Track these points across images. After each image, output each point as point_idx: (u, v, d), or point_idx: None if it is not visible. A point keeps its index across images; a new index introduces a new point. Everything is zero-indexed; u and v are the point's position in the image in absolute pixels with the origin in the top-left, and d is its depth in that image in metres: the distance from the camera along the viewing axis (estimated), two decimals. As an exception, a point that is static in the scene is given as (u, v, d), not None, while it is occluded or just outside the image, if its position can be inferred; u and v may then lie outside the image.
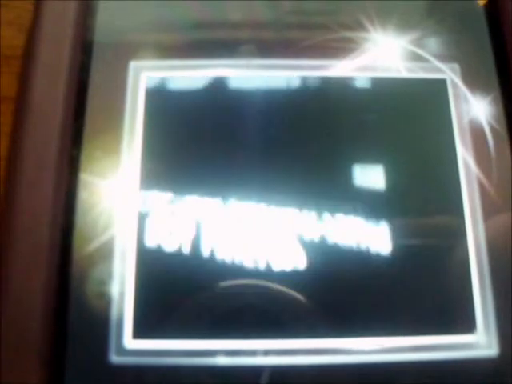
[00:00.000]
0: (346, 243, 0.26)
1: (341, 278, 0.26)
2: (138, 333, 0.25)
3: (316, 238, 0.26)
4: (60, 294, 0.25)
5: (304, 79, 0.28)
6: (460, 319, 0.25)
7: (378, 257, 0.26)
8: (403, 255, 0.26)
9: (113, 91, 0.28)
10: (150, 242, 0.26)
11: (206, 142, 0.27)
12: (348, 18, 0.29)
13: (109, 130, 0.27)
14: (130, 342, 0.25)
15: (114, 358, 0.24)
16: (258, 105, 0.28)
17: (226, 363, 0.24)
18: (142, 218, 0.26)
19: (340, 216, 0.26)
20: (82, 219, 0.26)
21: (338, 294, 0.26)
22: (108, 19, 0.29)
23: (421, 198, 0.27)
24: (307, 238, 0.26)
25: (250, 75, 0.29)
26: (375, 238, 0.26)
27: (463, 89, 0.28)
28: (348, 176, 0.27)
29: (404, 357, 0.25)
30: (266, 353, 0.25)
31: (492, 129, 0.28)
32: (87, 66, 0.28)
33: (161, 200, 0.26)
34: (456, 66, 0.29)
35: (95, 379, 0.25)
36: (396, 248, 0.26)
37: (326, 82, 0.28)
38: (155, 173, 0.27)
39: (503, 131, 0.28)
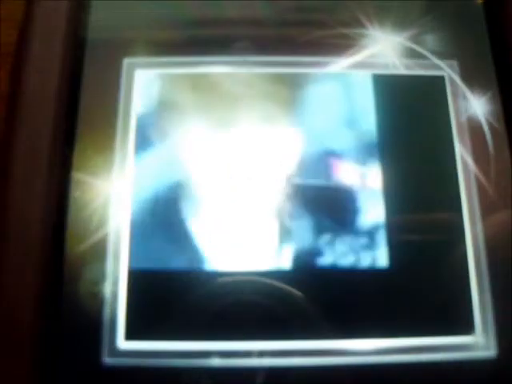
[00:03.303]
0: (344, 241, 0.26)
1: (339, 278, 0.26)
2: (131, 334, 0.25)
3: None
4: (52, 294, 0.24)
5: (302, 75, 0.28)
6: (458, 320, 0.25)
7: (376, 256, 0.26)
8: (401, 254, 0.26)
9: (106, 88, 0.27)
10: (144, 242, 0.26)
11: (202, 139, 0.27)
12: (346, 15, 0.29)
13: (102, 128, 0.27)
14: (122, 343, 0.24)
15: (107, 360, 0.24)
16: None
17: (220, 364, 0.24)
18: (135, 217, 0.26)
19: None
20: (74, 218, 0.26)
21: (334, 293, 0.25)
22: (101, 16, 0.29)
23: (418, 195, 0.27)
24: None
25: (246, 72, 0.28)
26: (373, 235, 0.26)
27: (461, 86, 0.28)
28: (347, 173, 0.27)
29: (401, 358, 0.25)
30: (261, 354, 0.24)
31: (490, 126, 0.27)
32: (80, 63, 0.28)
33: (154, 198, 0.26)
34: (454, 63, 0.29)
35: (88, 380, 0.24)
36: (393, 247, 0.26)
37: (323, 78, 0.28)
38: (149, 171, 0.26)
39: (501, 129, 0.27)
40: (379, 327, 0.25)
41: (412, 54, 0.29)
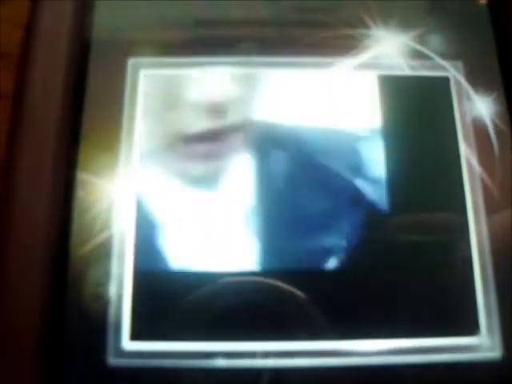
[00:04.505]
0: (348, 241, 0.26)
1: (343, 278, 0.26)
2: (136, 334, 0.24)
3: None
4: (57, 295, 0.24)
5: (305, 75, 0.28)
6: (463, 321, 0.25)
7: (380, 256, 0.26)
8: (405, 254, 0.26)
9: (111, 88, 0.27)
10: (148, 243, 0.26)
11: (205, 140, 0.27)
12: (350, 16, 0.29)
13: (107, 128, 0.27)
14: (127, 344, 0.24)
15: (112, 360, 0.24)
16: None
17: (224, 365, 0.24)
18: (139, 218, 0.26)
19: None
20: (79, 219, 0.25)
21: (339, 294, 0.25)
22: (106, 16, 0.29)
23: (423, 196, 0.27)
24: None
25: (250, 73, 0.28)
26: (377, 235, 0.26)
27: (466, 87, 0.28)
28: (350, 173, 0.27)
29: (406, 359, 0.25)
30: (266, 355, 0.24)
31: (495, 127, 0.27)
32: (85, 63, 0.28)
33: (159, 199, 0.26)
34: (459, 63, 0.29)
35: (93, 381, 0.24)
36: (398, 247, 0.26)
37: (327, 78, 0.28)
38: (153, 171, 0.26)
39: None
40: (384, 328, 0.25)
41: (416, 54, 0.29)
